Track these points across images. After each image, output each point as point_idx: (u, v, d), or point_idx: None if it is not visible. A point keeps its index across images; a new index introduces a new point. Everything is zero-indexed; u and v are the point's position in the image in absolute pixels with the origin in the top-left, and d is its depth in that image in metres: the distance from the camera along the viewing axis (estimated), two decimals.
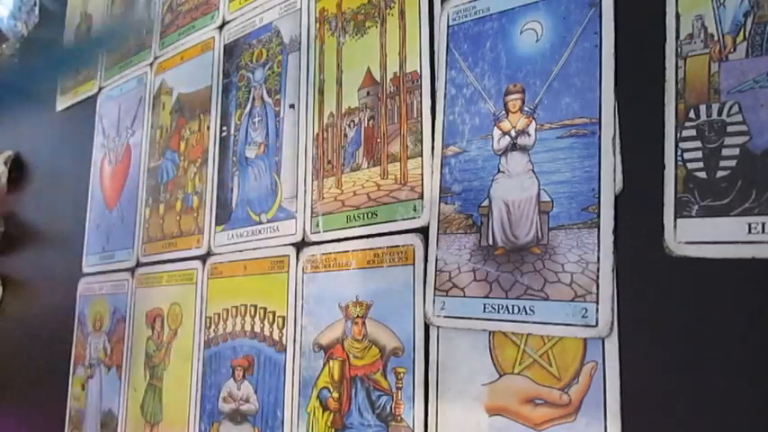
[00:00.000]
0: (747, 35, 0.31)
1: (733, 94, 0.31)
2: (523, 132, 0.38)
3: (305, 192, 0.50)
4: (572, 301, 0.34)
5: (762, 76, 0.30)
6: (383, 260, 0.43)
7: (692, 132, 0.31)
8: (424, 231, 0.41)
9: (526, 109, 0.38)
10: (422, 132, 0.43)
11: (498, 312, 0.36)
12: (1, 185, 0.89)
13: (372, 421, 0.42)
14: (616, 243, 0.33)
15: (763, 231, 0.28)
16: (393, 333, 0.41)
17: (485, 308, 0.37)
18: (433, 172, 0.42)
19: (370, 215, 0.45)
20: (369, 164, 0.46)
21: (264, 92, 0.55)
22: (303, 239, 0.49)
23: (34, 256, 0.82)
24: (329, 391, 0.45)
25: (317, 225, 0.48)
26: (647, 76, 0.33)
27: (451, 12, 0.43)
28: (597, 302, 0.33)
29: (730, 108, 0.31)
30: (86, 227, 0.74)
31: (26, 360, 0.80)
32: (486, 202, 0.39)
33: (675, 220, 0.31)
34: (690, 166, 0.31)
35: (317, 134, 0.50)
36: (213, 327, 0.55)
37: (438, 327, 0.39)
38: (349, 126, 0.48)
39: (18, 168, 0.90)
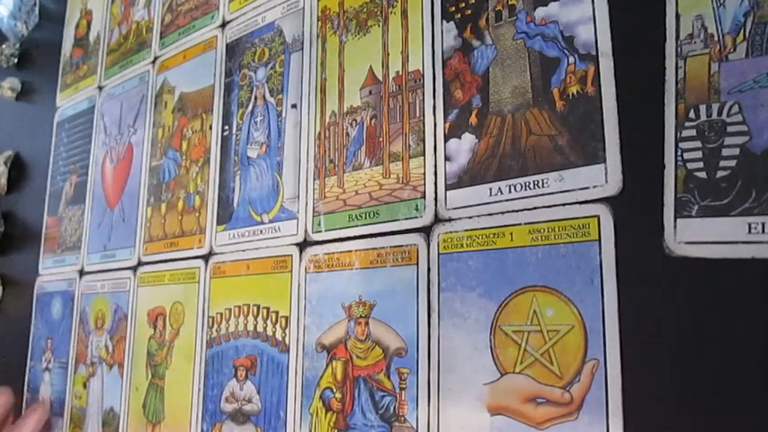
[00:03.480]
0: (747, 35, 0.31)
1: (733, 94, 0.31)
2: None
3: (306, 191, 0.50)
4: None
5: (762, 76, 0.30)
6: (386, 260, 0.43)
7: (692, 132, 0.32)
8: (426, 231, 0.41)
9: None
10: (424, 131, 0.43)
11: None
12: (1, 185, 0.89)
13: (375, 422, 0.42)
14: (616, 243, 0.33)
15: (763, 231, 0.29)
16: (396, 333, 0.42)
17: None
18: (436, 171, 0.42)
19: (372, 214, 0.45)
20: (371, 163, 0.46)
21: (266, 91, 0.56)
22: (305, 239, 0.49)
23: (34, 255, 0.83)
24: (332, 391, 0.45)
25: (319, 224, 0.48)
26: (647, 76, 0.33)
27: None
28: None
29: (730, 108, 0.31)
30: (87, 225, 0.74)
31: (25, 359, 0.80)
32: None
33: (675, 220, 0.31)
34: (690, 166, 0.31)
35: (319, 133, 0.50)
36: (216, 326, 0.55)
37: None
38: (351, 125, 0.48)
39: (18, 168, 0.90)
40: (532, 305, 0.36)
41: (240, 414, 0.52)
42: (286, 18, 0.55)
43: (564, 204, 0.36)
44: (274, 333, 0.50)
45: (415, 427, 0.40)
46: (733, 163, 0.30)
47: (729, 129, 0.31)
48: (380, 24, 0.47)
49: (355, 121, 0.48)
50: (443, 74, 0.43)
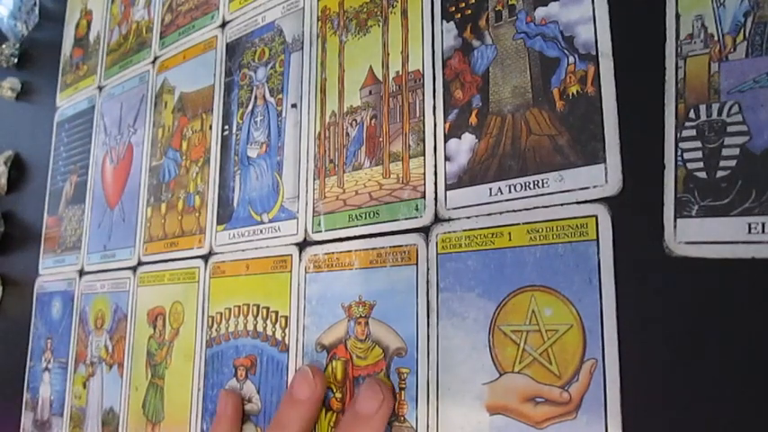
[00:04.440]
0: (747, 35, 0.31)
1: (733, 94, 0.31)
2: None
3: (306, 191, 0.50)
4: None
5: (762, 76, 0.30)
6: (386, 260, 0.43)
7: (692, 132, 0.32)
8: (426, 231, 0.41)
9: None
10: (424, 131, 0.43)
11: None
12: (1, 185, 0.89)
13: None
14: (615, 243, 0.33)
15: (763, 231, 0.29)
16: (396, 333, 0.42)
17: None
18: (436, 171, 0.42)
19: (372, 214, 0.45)
20: (371, 163, 0.46)
21: (266, 91, 0.56)
22: (305, 239, 0.49)
23: (34, 255, 0.83)
24: (332, 391, 0.45)
25: (319, 224, 0.48)
26: (647, 76, 0.33)
27: None
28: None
29: (730, 108, 0.31)
30: (87, 225, 0.74)
31: (25, 359, 0.80)
32: None
33: (675, 220, 0.31)
34: (690, 166, 0.31)
35: (319, 133, 0.50)
36: (215, 326, 0.55)
37: None
38: (351, 125, 0.48)
39: (18, 168, 0.90)
40: (531, 305, 0.36)
41: None
42: (286, 18, 0.55)
43: (563, 204, 0.36)
44: (274, 333, 0.50)
45: (414, 426, 0.40)
46: (733, 163, 0.30)
47: (729, 129, 0.31)
48: (380, 24, 0.48)
49: (355, 121, 0.48)
50: (443, 74, 0.43)
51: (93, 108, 0.78)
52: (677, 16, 0.33)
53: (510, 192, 0.38)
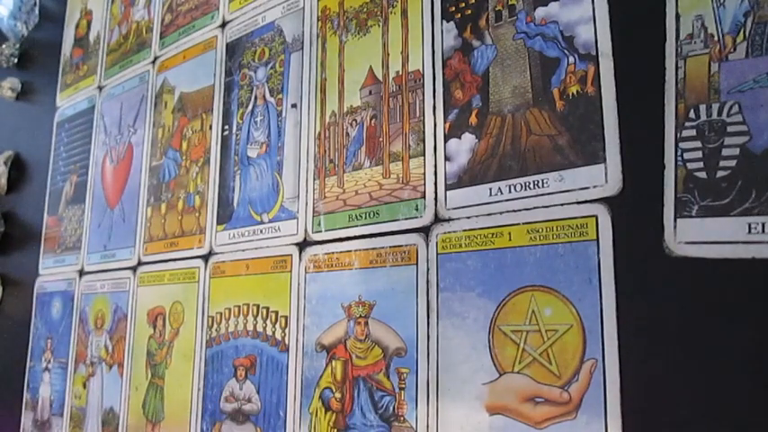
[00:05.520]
0: (747, 35, 0.31)
1: (733, 94, 0.31)
2: None
3: (306, 191, 0.50)
4: None
5: (762, 76, 0.30)
6: (386, 260, 0.43)
7: (692, 132, 0.32)
8: (426, 231, 0.41)
9: None
10: (424, 131, 0.43)
11: None
12: (1, 185, 0.89)
13: (375, 422, 0.42)
14: (615, 242, 0.33)
15: (763, 231, 0.29)
16: (396, 333, 0.42)
17: None
18: (436, 171, 0.42)
19: (372, 214, 0.45)
20: (371, 163, 0.46)
21: (267, 91, 0.56)
22: (305, 239, 0.49)
23: (34, 255, 0.83)
24: (332, 391, 0.45)
25: (319, 224, 0.48)
26: (647, 76, 0.33)
27: None
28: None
29: (730, 108, 0.31)
30: (87, 225, 0.74)
31: (25, 359, 0.80)
32: None
33: (675, 220, 0.31)
34: (690, 166, 0.31)
35: (319, 133, 0.50)
36: (215, 326, 0.55)
37: None
38: (351, 125, 0.48)
39: (18, 168, 0.90)
40: (531, 305, 0.36)
41: (240, 414, 0.52)
42: (286, 18, 0.55)
43: (562, 204, 0.36)
44: (274, 333, 0.50)
45: (414, 426, 0.40)
46: (733, 163, 0.30)
47: (729, 129, 0.31)
48: (380, 24, 0.47)
49: (355, 121, 0.48)
50: (443, 74, 0.43)
51: (93, 108, 0.78)
52: (677, 16, 0.33)
53: (510, 192, 0.38)
